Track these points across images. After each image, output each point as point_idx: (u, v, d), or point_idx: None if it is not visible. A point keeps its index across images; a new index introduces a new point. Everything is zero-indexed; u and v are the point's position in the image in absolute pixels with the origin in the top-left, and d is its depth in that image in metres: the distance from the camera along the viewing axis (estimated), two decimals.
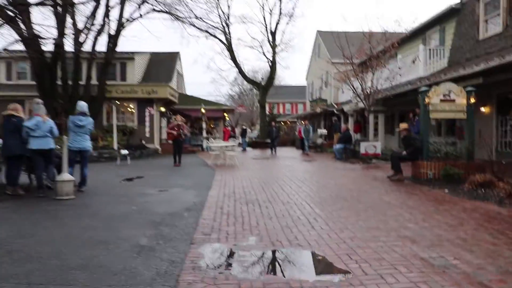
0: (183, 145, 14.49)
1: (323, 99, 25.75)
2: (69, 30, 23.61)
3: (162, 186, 9.04)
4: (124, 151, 15.31)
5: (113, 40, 20.01)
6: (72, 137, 8.30)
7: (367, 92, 14.33)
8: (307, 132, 19.48)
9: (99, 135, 18.37)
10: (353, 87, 14.66)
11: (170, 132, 14.03)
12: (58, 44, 17.67)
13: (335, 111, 24.87)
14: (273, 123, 21.12)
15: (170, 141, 14.60)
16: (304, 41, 76.25)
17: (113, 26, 20.17)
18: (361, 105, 19.06)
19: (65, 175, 7.29)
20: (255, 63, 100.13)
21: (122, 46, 58.33)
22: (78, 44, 19.26)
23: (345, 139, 15.72)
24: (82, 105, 8.49)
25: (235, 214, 6.04)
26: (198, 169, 13.38)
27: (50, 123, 8.04)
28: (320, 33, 29.91)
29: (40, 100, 8.48)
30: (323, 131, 25.48)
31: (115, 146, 17.75)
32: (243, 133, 27.62)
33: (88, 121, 8.36)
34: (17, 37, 16.07)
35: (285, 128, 45.12)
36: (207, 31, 30.28)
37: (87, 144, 8.33)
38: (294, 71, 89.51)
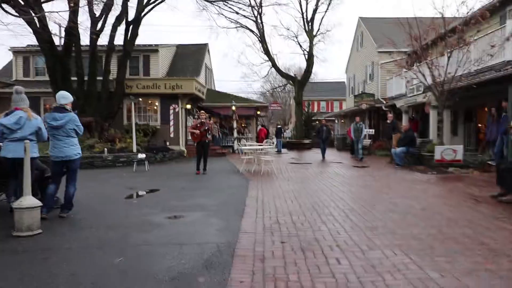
0: (209, 148, 11.97)
1: (369, 93, 22.66)
2: (83, 17, 21.28)
3: (177, 208, 6.54)
4: (141, 155, 13.01)
5: (133, 27, 17.82)
6: (51, 143, 5.89)
7: (440, 80, 11.21)
8: (358, 132, 15.79)
9: (116, 136, 16.21)
10: (422, 75, 11.51)
11: (193, 132, 11.55)
12: (70, 31, 15.63)
13: (384, 107, 21.74)
14: (323, 121, 18.12)
15: (194, 143, 12.13)
16: (341, 33, 72.11)
17: (133, 14, 18.00)
18: (420, 99, 15.97)
19: (27, 200, 4.87)
20: (287, 61, 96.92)
21: (146, 40, 56.93)
22: (94, 33, 17.20)
23: (408, 140, 12.72)
24: (60, 95, 6.04)
25: (288, 277, 3.42)
26: (227, 178, 10.83)
27: (38, 121, 5.71)
28: (363, 20, 26.77)
29: (21, 88, 6.00)
30: (369, 130, 22.40)
31: (134, 148, 15.54)
32: (278, 132, 24.92)
33: (68, 119, 5.90)
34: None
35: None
36: (237, 22, 27.95)
37: (73, 151, 5.90)
38: (329, 67, 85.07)
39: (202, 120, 11.72)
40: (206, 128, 11.51)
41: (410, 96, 17.19)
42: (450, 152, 10.63)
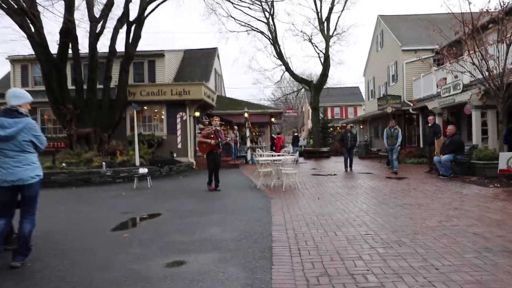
0: (221, 160, 10.19)
1: (394, 95, 20.71)
2: (82, 19, 19.94)
3: (180, 247, 4.77)
4: (143, 170, 11.27)
5: (135, 28, 16.27)
6: None
7: (497, 72, 9.21)
8: (393, 138, 13.11)
9: (117, 149, 14.55)
10: (476, 67, 9.49)
11: (204, 142, 9.74)
12: (65, 32, 14.10)
13: (411, 110, 19.79)
14: (349, 126, 15.90)
15: (203, 155, 10.34)
16: (357, 34, 69.98)
17: (135, 15, 16.45)
18: (460, 98, 14.00)
19: None
20: (299, 66, 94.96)
21: (153, 46, 55.61)
22: (93, 36, 15.69)
23: (455, 146, 10.76)
24: (11, 94, 4.27)
25: None
26: (244, 196, 9.01)
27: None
28: (382, 18, 24.93)
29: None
30: None
31: (137, 161, 13.84)
32: (295, 140, 23.04)
33: (21, 126, 4.13)
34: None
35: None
36: (248, 24, 26.40)
37: (28, 173, 4.15)
38: (344, 70, 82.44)
39: (217, 128, 9.95)
40: (220, 138, 9.75)
41: (446, 96, 15.22)
42: None
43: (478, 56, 9.41)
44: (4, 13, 13.51)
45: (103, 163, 12.72)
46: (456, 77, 13.20)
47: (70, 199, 9.57)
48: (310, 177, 12.83)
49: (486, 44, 9.76)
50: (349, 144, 14.56)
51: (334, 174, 7.28)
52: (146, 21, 19.16)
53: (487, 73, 9.21)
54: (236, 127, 19.82)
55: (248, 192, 9.69)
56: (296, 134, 23.92)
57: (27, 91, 4.33)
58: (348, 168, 14.32)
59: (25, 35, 14.07)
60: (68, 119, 14.09)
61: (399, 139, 12.87)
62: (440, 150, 11.24)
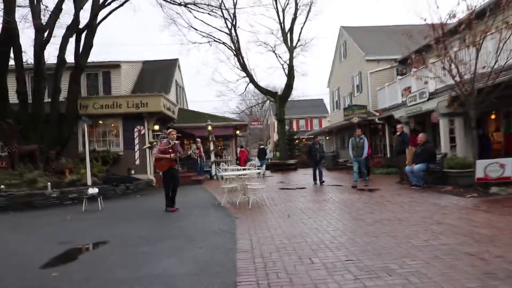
0: (178, 176, 9.18)
1: (360, 105, 20.50)
2: (28, 27, 18.46)
3: None
4: (93, 190, 10.07)
5: (86, 36, 15.09)
6: None
7: (467, 78, 8.86)
8: (359, 149, 12.53)
9: (66, 167, 13.20)
10: (446, 70, 9.08)
11: (161, 158, 8.72)
12: (5, 41, 12.76)
13: (377, 120, 19.58)
14: (317, 138, 14.93)
15: (160, 172, 9.30)
16: (321, 46, 70.76)
17: (85, 23, 15.26)
18: (427, 106, 13.78)
19: None
20: (263, 78, 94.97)
21: (110, 57, 53.61)
22: (39, 44, 14.39)
23: (427, 155, 10.34)
24: None
25: None
26: (206, 217, 8.07)
27: None
28: (345, 29, 24.94)
29: None
30: None
31: (89, 181, 12.56)
32: (261, 153, 22.26)
33: None
34: None
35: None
36: (210, 35, 25.70)
37: None
38: (308, 82, 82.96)
39: (175, 142, 8.97)
40: (179, 152, 8.79)
41: (412, 105, 15.03)
42: (496, 168, 8.25)
43: (448, 61, 9.05)
44: None
45: (49, 183, 11.38)
46: (426, 83, 12.93)
47: (4, 226, 8.26)
48: (278, 191, 12.06)
49: (455, 49, 9.44)
50: (318, 156, 13.75)
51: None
52: (103, 33, 18.09)
53: (458, 78, 8.84)
54: (199, 139, 18.72)
55: (211, 211, 8.75)
56: (262, 146, 23.21)
57: None
58: (318, 181, 13.58)
59: None
60: (8, 135, 12.64)
61: (365, 149, 12.27)
62: (411, 159, 10.79)
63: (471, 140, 13.57)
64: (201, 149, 18.64)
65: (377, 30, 24.77)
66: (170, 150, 8.71)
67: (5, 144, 13.15)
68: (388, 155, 19.02)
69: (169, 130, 9.84)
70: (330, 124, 32.04)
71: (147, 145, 15.68)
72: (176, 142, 8.96)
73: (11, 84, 14.50)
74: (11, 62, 14.06)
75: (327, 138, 31.64)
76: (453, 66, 8.88)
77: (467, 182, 9.56)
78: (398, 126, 12.72)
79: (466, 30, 8.68)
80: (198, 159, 18.07)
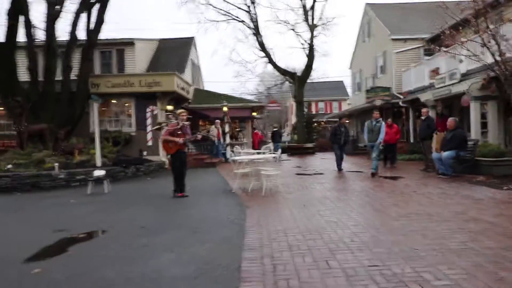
0: (186, 160, 8.61)
1: (384, 87, 19.45)
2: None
3: None
4: (99, 172, 9.64)
5: (99, 10, 14.51)
6: None
7: (509, 56, 7.88)
8: (374, 133, 10.86)
9: (76, 147, 12.83)
10: (487, 47, 8.08)
11: (171, 141, 8.14)
12: (13, 13, 12.28)
13: (401, 103, 18.56)
14: (342, 120, 13.45)
15: (168, 155, 8.74)
16: (343, 25, 68.05)
17: None
18: (457, 89, 12.77)
19: None
20: (284, 60, 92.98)
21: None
22: (50, 19, 13.89)
23: (458, 141, 9.46)
24: None
25: None
26: (215, 205, 7.50)
27: None
28: (370, 6, 23.65)
29: None
30: None
31: (98, 162, 12.18)
32: (275, 136, 21.55)
33: None
34: None
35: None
36: (228, 13, 24.76)
37: None
38: (329, 64, 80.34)
39: (184, 123, 8.35)
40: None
41: (441, 87, 14.00)
42: None
43: (488, 36, 8.08)
44: None
45: (56, 164, 11.02)
46: (461, 61, 11.88)
47: (3, 209, 7.91)
48: (294, 177, 11.41)
49: (496, 24, 8.44)
50: (342, 140, 12.49)
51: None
52: (118, 12, 17.38)
53: (499, 57, 7.88)
54: (218, 121, 17.82)
55: (221, 198, 8.18)
56: (276, 129, 22.44)
57: None
58: (340, 166, 12.53)
59: None
60: (17, 114, 12.30)
61: (382, 135, 10.75)
62: (440, 146, 9.92)
63: (503, 126, 12.60)
64: (220, 131, 17.86)
65: (404, 7, 23.37)
66: (179, 132, 8.12)
67: (14, 122, 12.84)
68: (412, 141, 18.07)
69: (179, 111, 9.23)
70: (351, 107, 30.96)
71: (156, 126, 15.16)
72: (186, 123, 8.36)
73: (23, 61, 14.16)
74: (22, 38, 13.67)
75: (347, 121, 30.59)
76: (493, 42, 7.90)
77: (503, 172, 8.71)
78: (423, 110, 11.79)
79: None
80: (216, 140, 17.46)
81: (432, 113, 14.96)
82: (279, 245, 4.51)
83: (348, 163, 15.44)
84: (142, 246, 4.68)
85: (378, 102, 18.26)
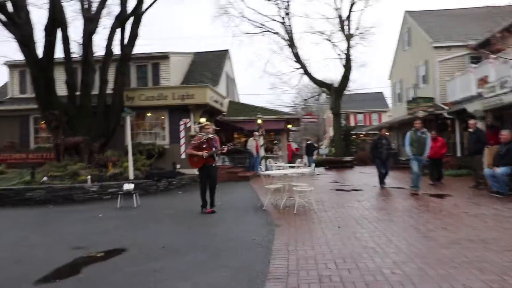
0: (217, 173, 8.24)
1: (427, 97, 18.36)
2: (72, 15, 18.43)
3: None
4: (128, 186, 9.47)
5: (133, 25, 14.68)
6: None
7: None
8: (421, 145, 9.61)
9: (110, 160, 12.86)
10: None
11: (195, 155, 7.84)
12: (51, 30, 12.59)
13: (446, 114, 17.39)
14: (383, 131, 12.19)
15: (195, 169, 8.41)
16: (381, 34, 66.29)
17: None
18: (509, 98, 11.70)
19: None
20: (320, 72, 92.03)
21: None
22: (86, 35, 14.20)
23: None
24: None
25: None
26: (243, 223, 7.04)
27: None
28: (410, 14, 22.66)
29: None
30: None
31: (131, 174, 12.11)
32: (309, 149, 20.88)
33: None
34: None
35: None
36: (262, 25, 24.66)
37: None
38: (366, 76, 78.12)
39: (209, 136, 8.02)
40: (215, 148, 7.85)
41: (491, 97, 12.90)
42: None
43: None
44: None
45: (88, 177, 11.02)
46: None
47: (30, 222, 7.87)
48: (330, 193, 10.76)
49: None
50: (384, 153, 11.28)
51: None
52: (151, 24, 17.60)
53: None
54: (256, 133, 17.17)
55: (250, 215, 7.71)
56: (310, 142, 21.74)
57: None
58: (383, 182, 11.45)
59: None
60: (54, 127, 12.52)
61: (427, 146, 9.58)
62: (493, 161, 8.97)
63: None
64: (258, 143, 17.31)
65: (445, 14, 22.27)
66: (205, 146, 7.79)
67: (51, 135, 13.09)
68: (459, 154, 16.84)
69: (204, 123, 8.94)
70: (391, 118, 29.72)
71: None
72: (212, 136, 8.01)
73: (61, 75, 14.52)
74: (60, 53, 14.04)
75: (387, 134, 29.36)
76: None
77: None
78: (471, 121, 10.79)
79: None
80: (255, 153, 17.01)
81: (480, 125, 13.85)
82: (308, 274, 3.97)
83: (389, 178, 14.51)
84: (157, 271, 4.29)
85: (420, 114, 17.19)
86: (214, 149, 7.88)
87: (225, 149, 7.95)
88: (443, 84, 18.59)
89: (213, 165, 8.02)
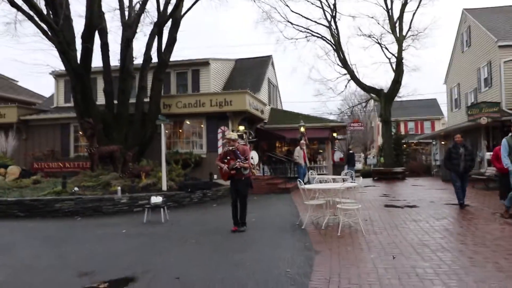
0: (247, 187, 7.29)
1: (490, 102, 16.41)
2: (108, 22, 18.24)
3: None
4: (156, 199, 8.78)
5: (170, 29, 14.28)
6: None
7: None
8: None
9: (144, 170, 12.35)
10: None
11: (221, 167, 7.02)
12: (87, 37, 12.38)
13: None
14: (457, 137, 9.52)
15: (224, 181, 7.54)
16: (435, 36, 62.59)
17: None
18: None
19: None
20: (368, 77, 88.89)
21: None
22: (124, 42, 13.95)
23: None
24: None
25: None
26: (276, 246, 6.03)
27: None
28: (469, 12, 20.69)
29: None
30: (486, 154, 16.14)
31: (164, 185, 11.51)
32: (350, 159, 19.47)
33: None
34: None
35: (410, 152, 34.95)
36: (307, 29, 23.67)
37: None
38: (418, 81, 74.36)
39: (230, 148, 7.11)
40: (237, 163, 6.92)
41: None
42: None
43: None
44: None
45: (119, 188, 10.51)
46: None
47: (51, 238, 7.33)
48: (380, 209, 9.47)
49: None
50: (462, 164, 9.21)
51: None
52: (195, 31, 17.25)
53: None
54: (303, 141, 15.95)
55: (287, 236, 6.68)
56: (351, 151, 20.28)
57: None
58: (463, 201, 9.34)
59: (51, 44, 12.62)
60: (89, 135, 12.23)
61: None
62: None
63: None
64: (305, 152, 15.96)
65: (510, 10, 20.12)
66: (229, 157, 6.95)
67: (87, 144, 12.85)
68: None
69: (227, 134, 8.12)
70: (446, 126, 27.43)
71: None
72: (237, 147, 7.10)
73: (99, 83, 14.37)
74: (98, 61, 13.87)
75: (443, 143, 27.09)
76: None
77: None
78: None
79: None
80: (303, 164, 15.81)
81: None
82: None
83: (449, 192, 12.78)
84: None
85: (483, 120, 15.35)
86: (237, 162, 6.95)
87: (237, 164, 6.95)
88: (510, 87, 16.59)
89: (242, 178, 7.10)
